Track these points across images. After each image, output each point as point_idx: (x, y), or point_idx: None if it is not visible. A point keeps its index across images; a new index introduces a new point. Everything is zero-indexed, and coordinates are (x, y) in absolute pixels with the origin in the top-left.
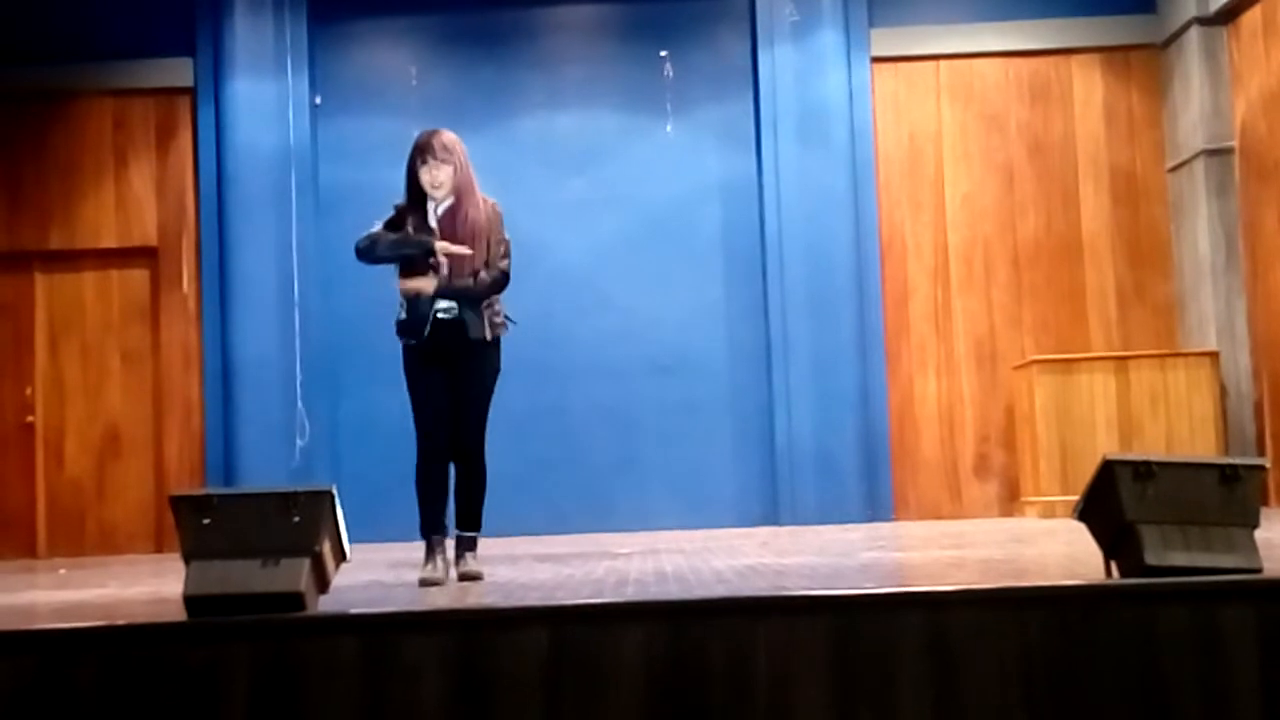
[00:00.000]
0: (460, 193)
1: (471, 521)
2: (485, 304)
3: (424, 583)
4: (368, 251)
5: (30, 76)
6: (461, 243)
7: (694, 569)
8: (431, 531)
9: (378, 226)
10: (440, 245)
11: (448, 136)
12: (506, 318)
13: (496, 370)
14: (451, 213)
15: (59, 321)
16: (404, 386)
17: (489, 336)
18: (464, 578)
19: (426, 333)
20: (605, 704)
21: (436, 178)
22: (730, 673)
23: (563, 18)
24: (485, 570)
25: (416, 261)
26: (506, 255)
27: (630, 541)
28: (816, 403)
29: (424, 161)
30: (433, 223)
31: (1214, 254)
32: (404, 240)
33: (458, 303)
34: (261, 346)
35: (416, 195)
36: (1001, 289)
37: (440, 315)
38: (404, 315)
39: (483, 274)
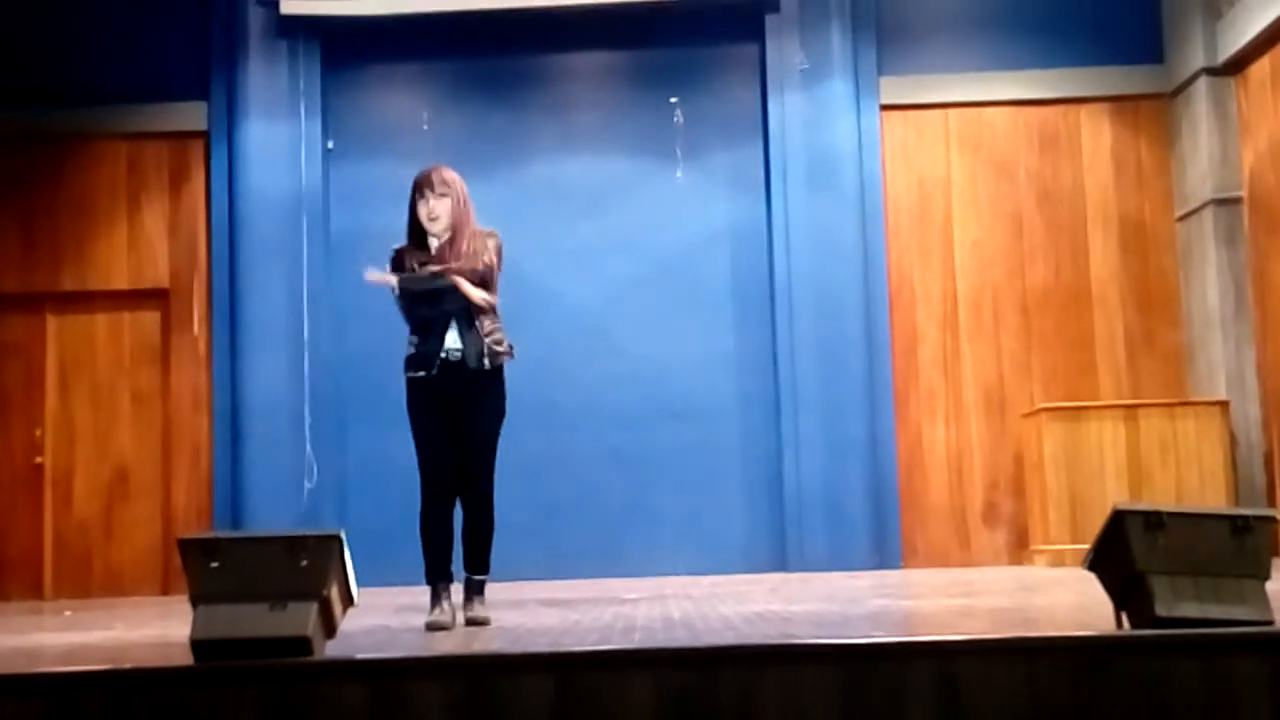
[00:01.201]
0: (458, 227)
1: (479, 565)
2: (485, 333)
3: (430, 628)
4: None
5: (45, 119)
6: (459, 273)
7: (702, 615)
8: (437, 578)
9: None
10: (439, 269)
11: (446, 172)
12: (510, 347)
13: (502, 411)
14: (449, 245)
15: (70, 362)
16: (409, 428)
17: (488, 365)
18: (471, 623)
19: (435, 368)
20: None
21: (434, 210)
22: None
23: (574, 64)
24: (493, 615)
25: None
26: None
27: (638, 587)
28: (825, 449)
29: (422, 195)
30: (432, 253)
31: (1223, 303)
32: (413, 289)
33: (460, 336)
34: (271, 390)
35: (418, 233)
36: (1010, 336)
37: (446, 356)
38: (413, 350)
39: (472, 273)
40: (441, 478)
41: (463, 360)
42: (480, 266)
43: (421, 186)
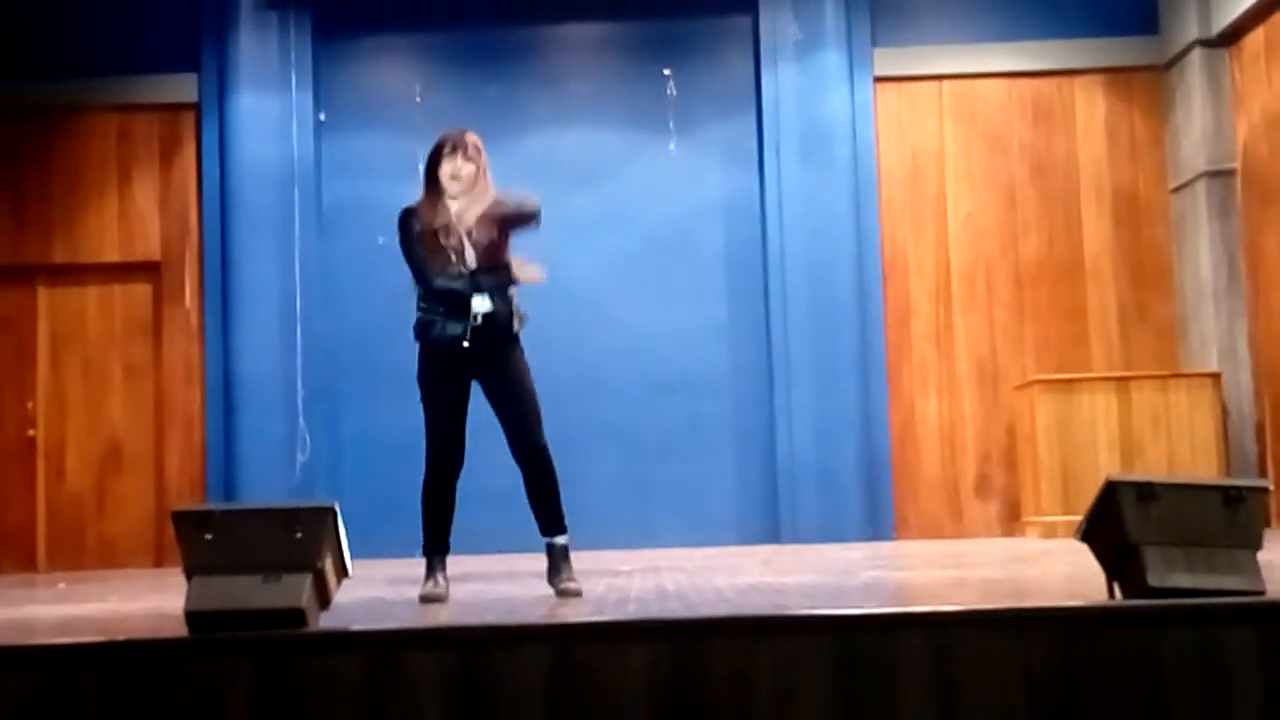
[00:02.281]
0: (478, 193)
1: (557, 524)
2: (511, 296)
3: (425, 600)
4: (453, 291)
5: (35, 91)
6: (480, 237)
7: (695, 587)
8: (435, 550)
9: (414, 253)
10: (459, 211)
11: (476, 138)
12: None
13: (528, 366)
14: (469, 207)
15: (61, 335)
16: (409, 400)
17: (517, 327)
18: (564, 594)
19: (467, 338)
20: None
21: (460, 170)
22: (732, 692)
23: (567, 36)
24: (488, 587)
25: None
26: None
27: (631, 559)
28: (818, 421)
29: (450, 154)
30: (452, 214)
31: (1215, 275)
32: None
33: (490, 297)
34: (263, 362)
35: (433, 193)
36: (1003, 309)
37: (477, 321)
38: (437, 317)
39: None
40: (452, 449)
41: (493, 323)
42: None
43: (452, 145)
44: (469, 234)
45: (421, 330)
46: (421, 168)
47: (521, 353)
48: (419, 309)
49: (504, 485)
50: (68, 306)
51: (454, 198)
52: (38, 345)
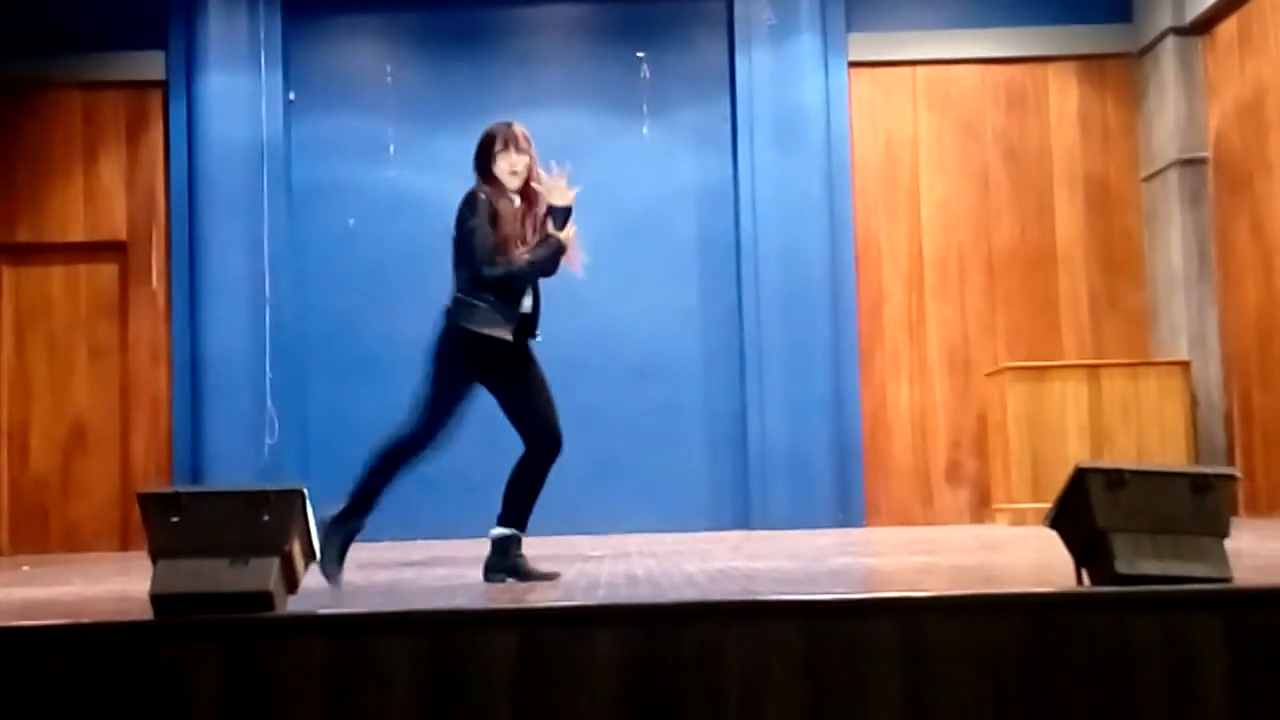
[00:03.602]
0: (531, 185)
1: (523, 520)
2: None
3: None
4: (508, 279)
5: None
6: (537, 231)
7: (665, 572)
8: (354, 514)
9: (485, 234)
10: (564, 236)
11: (523, 128)
12: None
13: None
14: (528, 202)
15: (25, 315)
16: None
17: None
18: (538, 578)
19: (512, 331)
20: (575, 706)
21: (517, 164)
22: (701, 676)
23: (540, 17)
24: (458, 572)
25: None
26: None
27: (601, 544)
28: (790, 407)
29: (504, 149)
30: (509, 208)
31: (1186, 264)
32: (545, 256)
33: (533, 300)
34: (231, 343)
35: (495, 186)
36: (976, 296)
37: (524, 313)
38: (488, 308)
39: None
40: (435, 441)
41: (534, 321)
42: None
43: (503, 140)
44: (534, 230)
45: (470, 317)
46: (392, 148)
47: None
48: (471, 296)
49: (474, 471)
50: (32, 286)
51: (516, 192)
52: (2, 325)
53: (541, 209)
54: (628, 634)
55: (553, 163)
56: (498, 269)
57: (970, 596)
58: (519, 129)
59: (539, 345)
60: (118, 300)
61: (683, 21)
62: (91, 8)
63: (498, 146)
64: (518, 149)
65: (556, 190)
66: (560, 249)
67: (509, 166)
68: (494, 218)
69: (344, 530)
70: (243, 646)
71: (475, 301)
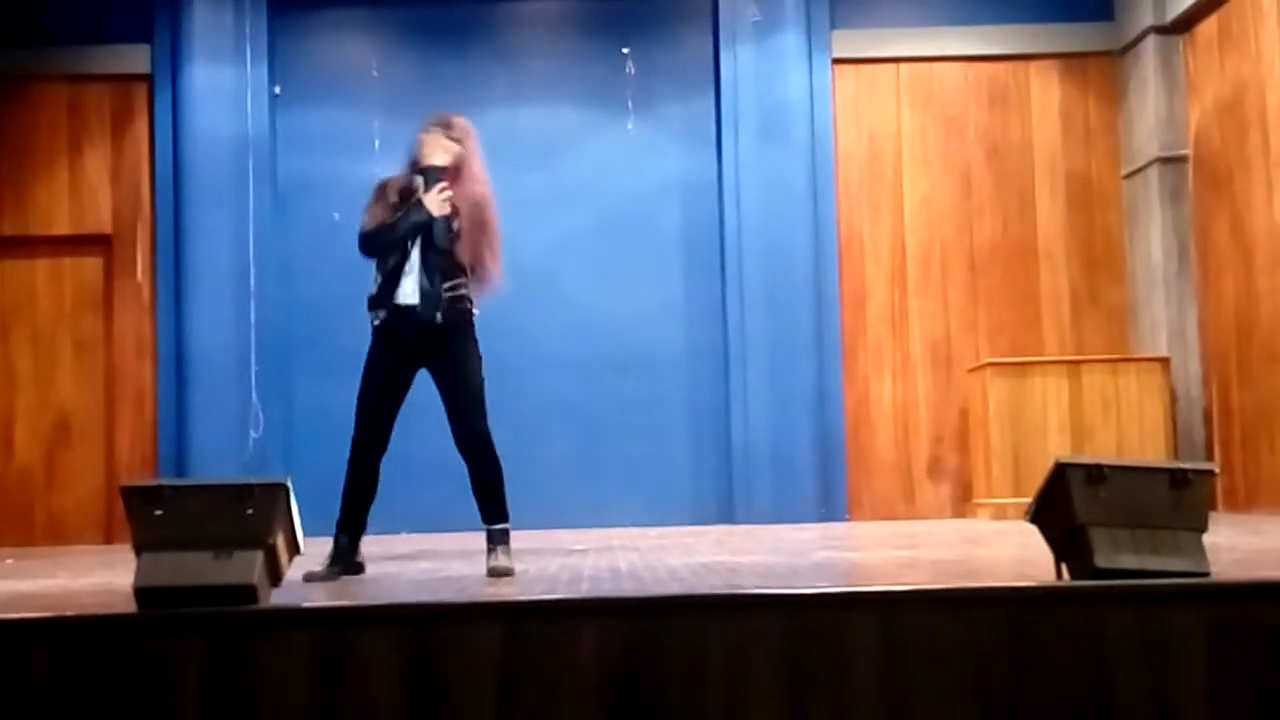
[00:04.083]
0: (461, 169)
1: (496, 514)
2: (446, 285)
3: (310, 579)
4: (372, 238)
5: None
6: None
7: (648, 566)
8: (346, 528)
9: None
10: (430, 199)
11: (464, 121)
12: (471, 304)
13: (477, 356)
14: (446, 183)
15: (10, 308)
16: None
17: (441, 320)
18: (494, 573)
19: (390, 314)
20: (558, 700)
21: (434, 146)
22: (684, 670)
23: (525, 12)
24: (444, 565)
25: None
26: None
27: (585, 538)
28: (773, 402)
29: (426, 130)
30: (420, 192)
31: (1166, 261)
32: (400, 218)
33: (420, 287)
34: (216, 337)
35: (412, 171)
36: (958, 292)
37: (401, 303)
38: (374, 291)
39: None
40: (372, 429)
41: (416, 310)
42: (470, 209)
43: (430, 124)
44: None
45: (367, 301)
46: (378, 143)
47: (461, 342)
48: (373, 276)
49: (458, 465)
50: (17, 279)
51: (430, 173)
52: None
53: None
54: (611, 627)
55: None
56: (362, 230)
57: (951, 590)
58: (456, 119)
59: (522, 341)
60: (102, 293)
61: (667, 17)
62: (76, 1)
63: (421, 134)
64: (443, 132)
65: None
66: (426, 213)
67: (423, 150)
68: (381, 188)
69: (345, 541)
70: (226, 640)
71: (371, 286)
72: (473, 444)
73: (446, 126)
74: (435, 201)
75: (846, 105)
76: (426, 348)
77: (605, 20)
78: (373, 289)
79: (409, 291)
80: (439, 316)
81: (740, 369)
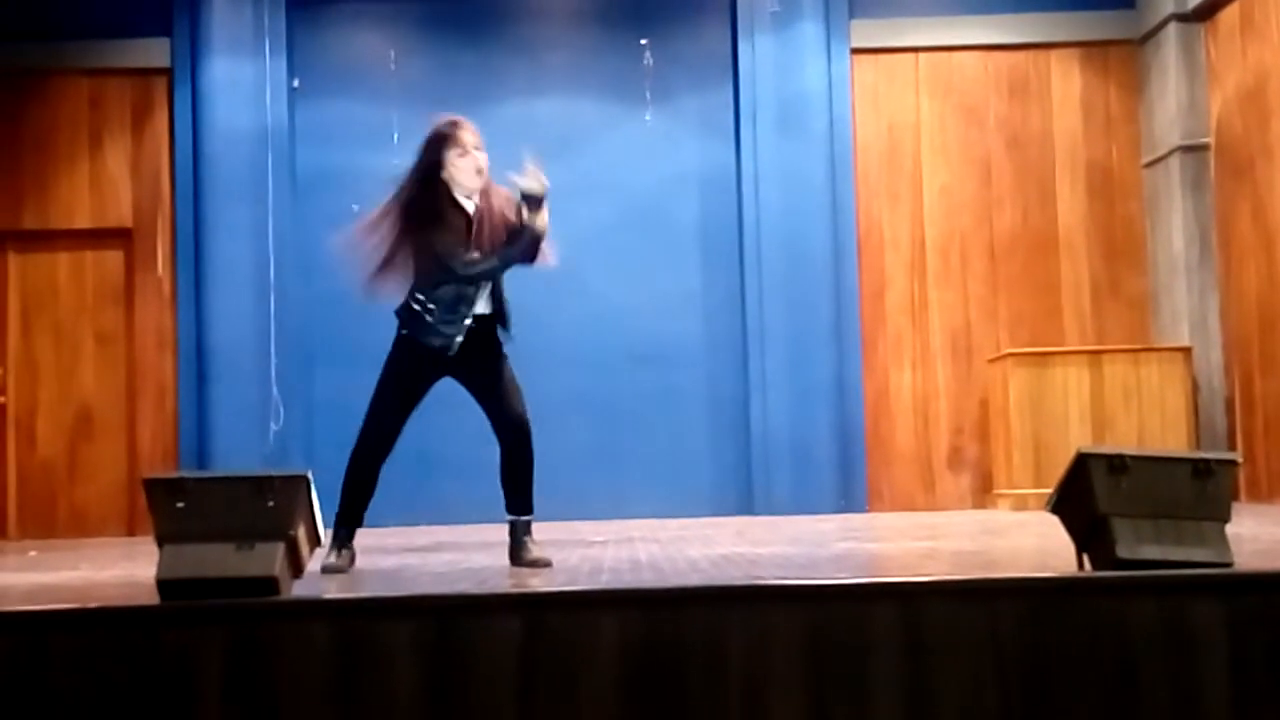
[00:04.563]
0: (488, 184)
1: (527, 504)
2: (504, 295)
3: (327, 570)
4: (502, 269)
5: (4, 54)
6: (494, 232)
7: (669, 558)
8: (346, 523)
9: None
10: (539, 224)
11: (475, 127)
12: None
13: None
14: (486, 204)
15: (32, 302)
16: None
17: (506, 325)
18: (534, 564)
19: (458, 341)
20: (579, 691)
21: (480, 163)
22: (704, 661)
23: (543, 4)
24: (463, 556)
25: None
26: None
27: (605, 530)
28: (792, 393)
29: (462, 149)
30: (469, 210)
31: (1188, 249)
32: (522, 244)
33: (489, 301)
34: (236, 330)
35: (433, 186)
36: (978, 282)
37: (474, 324)
38: (431, 318)
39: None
40: (385, 433)
41: (491, 323)
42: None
43: (459, 139)
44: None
45: (410, 319)
46: (396, 135)
47: (497, 343)
48: (417, 300)
49: (478, 457)
50: (38, 273)
51: (470, 192)
52: (8, 312)
53: (498, 206)
54: (631, 619)
55: (524, 152)
56: (473, 267)
57: (972, 581)
58: (474, 129)
59: (541, 333)
60: (123, 287)
61: (686, 8)
62: None
63: (450, 150)
64: (477, 147)
65: (530, 176)
66: (537, 239)
67: (474, 167)
68: (440, 217)
69: (347, 533)
70: (248, 631)
71: (418, 306)
72: (518, 429)
73: (477, 139)
74: (544, 221)
75: (865, 95)
76: (468, 355)
77: (623, 11)
78: (428, 313)
79: (484, 309)
80: (508, 323)
81: (759, 360)
